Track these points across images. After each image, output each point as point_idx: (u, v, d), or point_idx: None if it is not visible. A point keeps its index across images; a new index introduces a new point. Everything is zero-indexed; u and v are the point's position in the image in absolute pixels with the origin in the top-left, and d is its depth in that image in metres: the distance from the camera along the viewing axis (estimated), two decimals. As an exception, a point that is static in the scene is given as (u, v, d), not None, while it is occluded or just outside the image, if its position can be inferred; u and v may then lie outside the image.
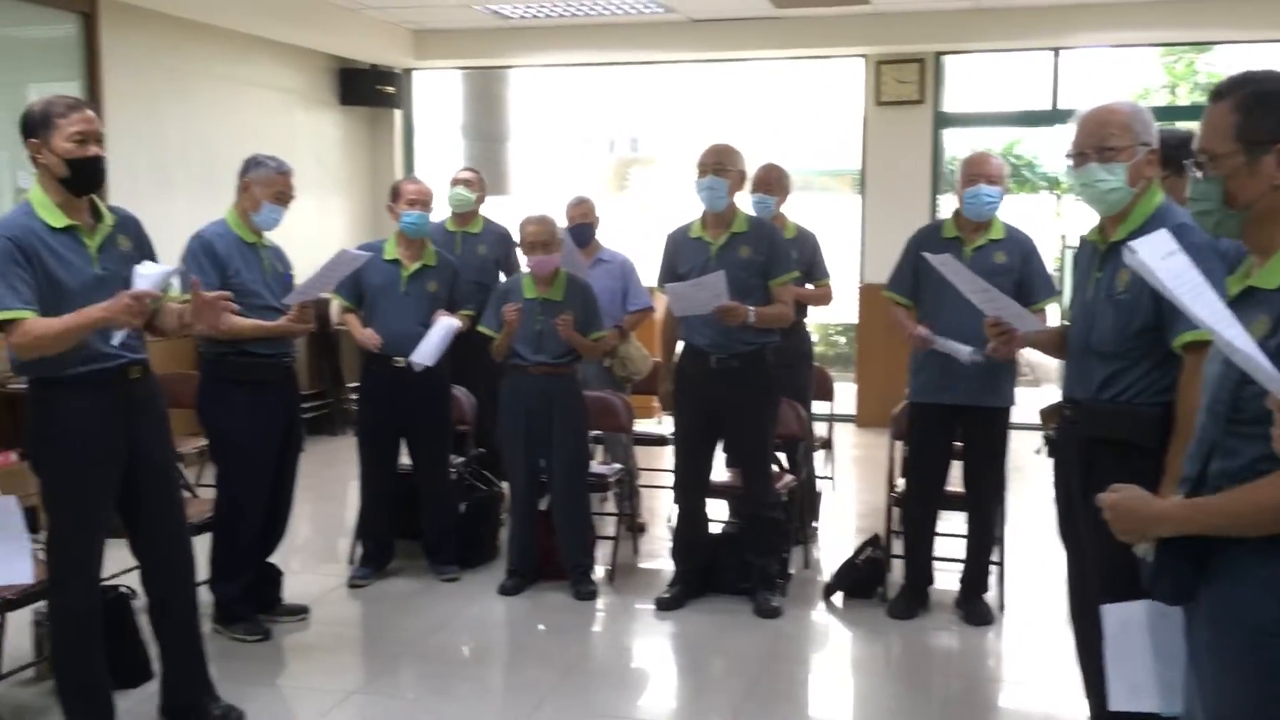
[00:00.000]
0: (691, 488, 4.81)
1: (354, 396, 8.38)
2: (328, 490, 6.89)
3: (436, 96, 9.82)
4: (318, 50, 8.60)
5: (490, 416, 5.69)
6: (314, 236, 7.67)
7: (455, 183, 5.87)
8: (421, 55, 9.06)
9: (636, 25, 8.51)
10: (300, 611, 4.66)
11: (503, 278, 5.75)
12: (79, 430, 3.28)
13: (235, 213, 4.36)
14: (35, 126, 3.21)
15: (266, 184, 4.32)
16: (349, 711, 3.86)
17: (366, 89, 9.07)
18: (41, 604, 3.84)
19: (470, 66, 9.63)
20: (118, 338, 3.22)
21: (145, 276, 3.21)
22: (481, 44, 8.92)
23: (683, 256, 4.65)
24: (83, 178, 3.23)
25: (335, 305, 7.94)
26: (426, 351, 4.79)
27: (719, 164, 4.49)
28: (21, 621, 3.97)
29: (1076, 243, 5.05)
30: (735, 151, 4.57)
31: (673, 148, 9.32)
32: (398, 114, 9.50)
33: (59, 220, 3.23)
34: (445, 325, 4.87)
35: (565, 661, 4.27)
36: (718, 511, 5.13)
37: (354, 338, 4.98)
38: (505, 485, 5.65)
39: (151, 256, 3.47)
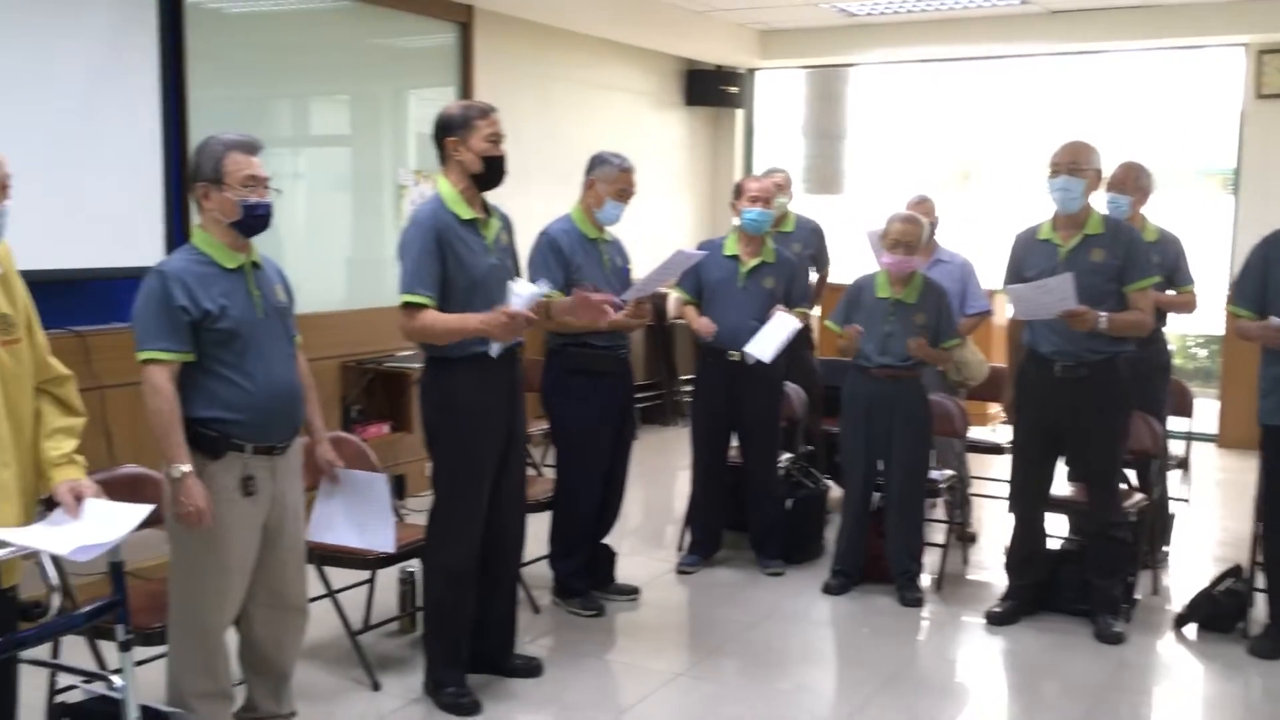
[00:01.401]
0: (1029, 500, 4.60)
1: (687, 388, 8.67)
2: (659, 478, 7.12)
3: (777, 95, 9.90)
4: (667, 53, 8.89)
5: (820, 414, 5.70)
6: (657, 233, 7.94)
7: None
8: (766, 55, 9.17)
9: (990, 19, 8.22)
10: (632, 592, 4.85)
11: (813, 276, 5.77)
12: (475, 404, 3.61)
13: (580, 209, 4.59)
14: (455, 127, 3.57)
15: (610, 181, 4.52)
16: (673, 692, 3.99)
17: (711, 89, 9.28)
18: (408, 564, 4.24)
19: (814, 65, 9.63)
20: (495, 349, 3.55)
21: (519, 296, 3.50)
22: (827, 42, 8.91)
23: (1030, 259, 4.45)
24: (492, 174, 3.59)
25: (671, 299, 8.22)
26: (763, 346, 4.84)
27: (1074, 163, 4.26)
28: (389, 579, 4.39)
29: None
30: (1091, 149, 4.32)
31: (1022, 145, 8.92)
32: (739, 113, 9.66)
33: (466, 213, 3.59)
34: (784, 322, 4.90)
35: (889, 667, 4.21)
36: (1056, 527, 4.87)
37: (691, 326, 5.11)
38: (831, 483, 5.67)
39: (516, 252, 3.74)
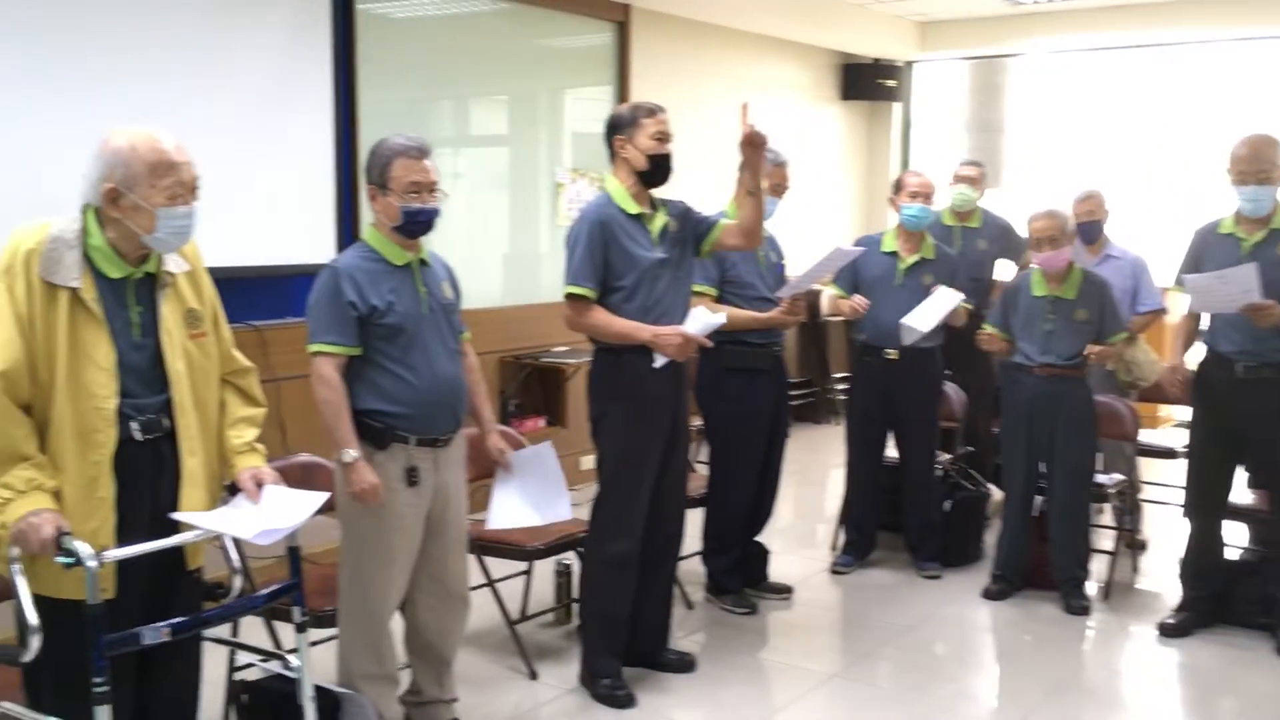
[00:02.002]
0: (1206, 507, 4.39)
1: (840, 386, 8.58)
2: (811, 476, 7.06)
3: (935, 88, 9.69)
4: (824, 47, 8.80)
5: (981, 414, 5.55)
6: (812, 229, 7.86)
7: (958, 179, 5.76)
8: (926, 46, 8.98)
9: (1169, 4, 7.87)
10: (785, 591, 4.82)
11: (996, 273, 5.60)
12: (641, 394, 3.68)
13: (733, 205, 4.56)
14: (623, 125, 3.69)
15: (765, 176, 4.49)
16: (827, 694, 3.95)
17: (868, 83, 9.14)
18: (564, 556, 4.30)
19: (976, 56, 9.39)
20: (659, 362, 3.61)
21: (696, 320, 3.65)
22: (990, 32, 8.68)
23: (1209, 254, 4.24)
24: (657, 171, 3.67)
25: (825, 296, 8.13)
26: (921, 318, 4.73)
27: (1261, 171, 4.01)
28: (545, 570, 4.46)
29: None
30: (1275, 145, 4.07)
31: (1198, 137, 8.50)
32: (896, 107, 9.49)
33: (632, 208, 3.69)
34: (946, 296, 4.79)
35: (1053, 677, 4.07)
36: (1235, 536, 4.64)
37: (843, 311, 4.99)
38: (992, 486, 5.51)
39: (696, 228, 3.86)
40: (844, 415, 5.29)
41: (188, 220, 2.52)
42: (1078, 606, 4.63)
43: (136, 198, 2.45)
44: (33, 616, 2.34)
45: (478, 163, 6.71)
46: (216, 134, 4.70)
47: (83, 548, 2.31)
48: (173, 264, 2.62)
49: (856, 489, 5.19)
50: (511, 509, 3.64)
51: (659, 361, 3.63)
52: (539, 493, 3.64)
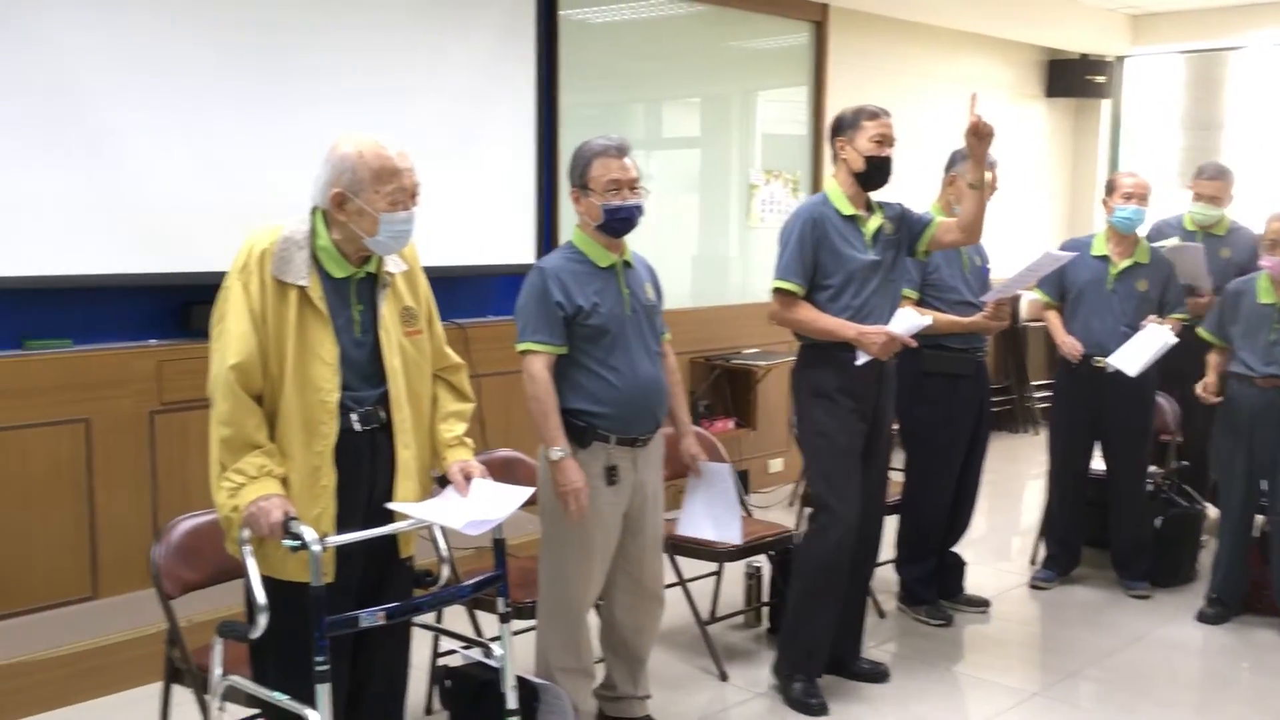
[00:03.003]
0: None
1: (1038, 394, 8.28)
2: (1007, 487, 6.83)
3: (1148, 84, 9.22)
4: (1028, 43, 8.50)
5: (1196, 427, 5.26)
6: (1013, 232, 7.61)
7: (1198, 198, 5.38)
8: (1138, 40, 8.57)
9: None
10: (982, 604, 4.68)
11: None
12: (842, 391, 3.66)
13: (939, 206, 4.45)
14: (844, 127, 3.70)
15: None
16: (1027, 712, 3.81)
17: (1075, 79, 8.78)
18: (754, 558, 4.29)
19: (1191, 50, 8.90)
20: (861, 359, 3.60)
21: (902, 320, 3.65)
22: (1209, 24, 8.22)
23: None
24: (875, 174, 3.66)
25: (1025, 301, 7.85)
26: (1131, 358, 4.53)
27: None
28: (736, 572, 4.46)
29: None
30: None
31: None
32: (1105, 104, 9.08)
33: (847, 209, 3.69)
34: (1157, 335, 4.55)
35: (1273, 709, 3.82)
36: None
37: (1055, 338, 4.84)
38: (1208, 505, 5.22)
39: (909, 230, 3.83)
40: (1042, 424, 5.09)
41: (407, 225, 2.62)
42: (1303, 635, 4.34)
43: (361, 202, 2.56)
44: (261, 596, 2.47)
45: (669, 165, 6.76)
46: (425, 137, 4.88)
47: (308, 532, 2.43)
48: (392, 264, 2.73)
49: (1060, 502, 4.98)
50: (694, 517, 3.66)
51: (861, 359, 3.60)
52: (718, 510, 3.64)
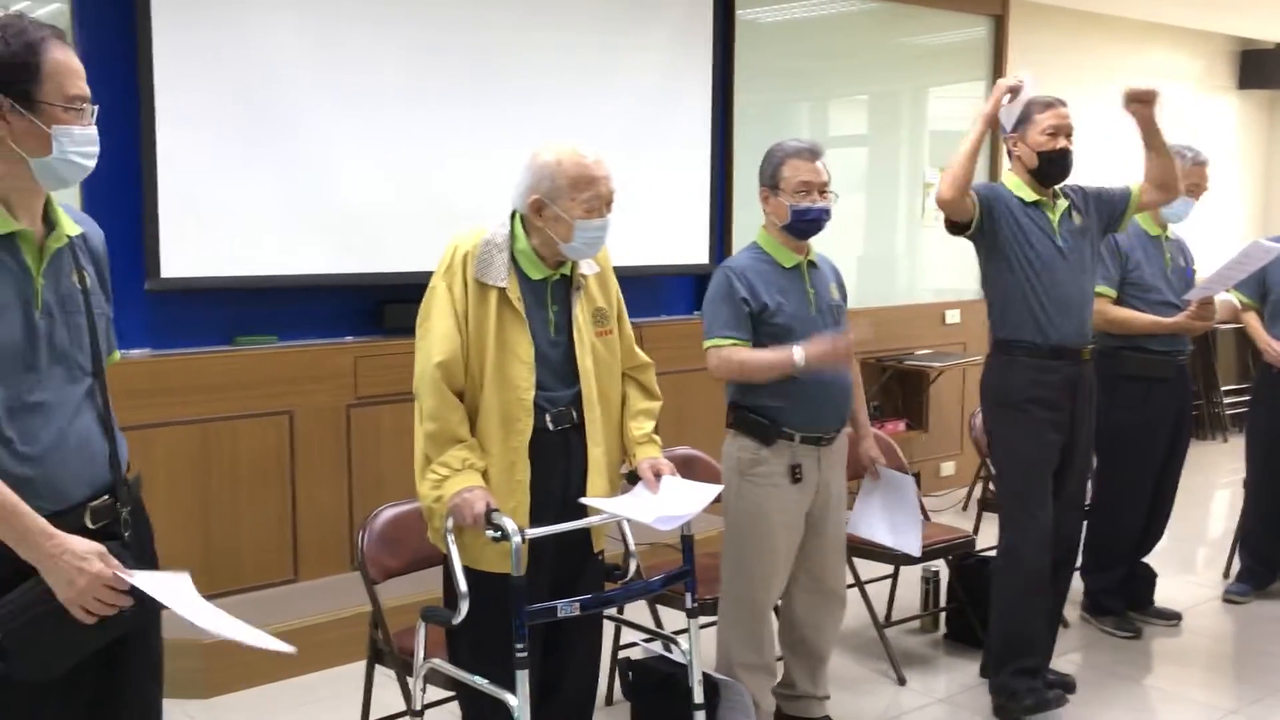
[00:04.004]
0: None
1: (1228, 400, 7.90)
2: (1196, 496, 6.54)
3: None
4: (1218, 32, 8.11)
5: None
6: (1206, 230, 7.28)
7: None
8: (1341, 26, 8.09)
9: None
10: (1173, 617, 4.51)
11: None
12: (1032, 398, 3.55)
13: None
14: (1018, 123, 3.59)
15: (1183, 175, 4.20)
16: (1224, 731, 3.66)
17: (1270, 70, 8.37)
18: (931, 563, 4.23)
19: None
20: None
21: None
22: None
23: None
24: (1052, 169, 3.55)
25: (1217, 302, 7.49)
26: None
27: None
28: (912, 575, 4.41)
29: None
30: None
31: None
32: (1303, 95, 8.62)
33: (1029, 195, 3.58)
34: None
35: None
36: None
37: (1257, 342, 4.62)
38: None
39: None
40: (1231, 431, 4.87)
41: (601, 231, 2.69)
42: None
43: (558, 209, 2.65)
44: (463, 583, 2.58)
45: (838, 163, 6.68)
46: (604, 137, 4.94)
47: (509, 523, 2.52)
48: (586, 266, 2.81)
49: (1257, 513, 4.76)
50: (869, 520, 3.63)
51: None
52: (896, 517, 3.61)
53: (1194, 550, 5.61)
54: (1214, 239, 7.18)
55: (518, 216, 2.73)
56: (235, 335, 4.37)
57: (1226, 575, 4.98)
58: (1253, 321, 4.67)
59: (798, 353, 3.11)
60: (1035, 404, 3.54)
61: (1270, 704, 3.85)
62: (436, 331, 2.64)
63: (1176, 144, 4.26)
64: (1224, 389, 8.00)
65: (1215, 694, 3.95)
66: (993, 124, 3.58)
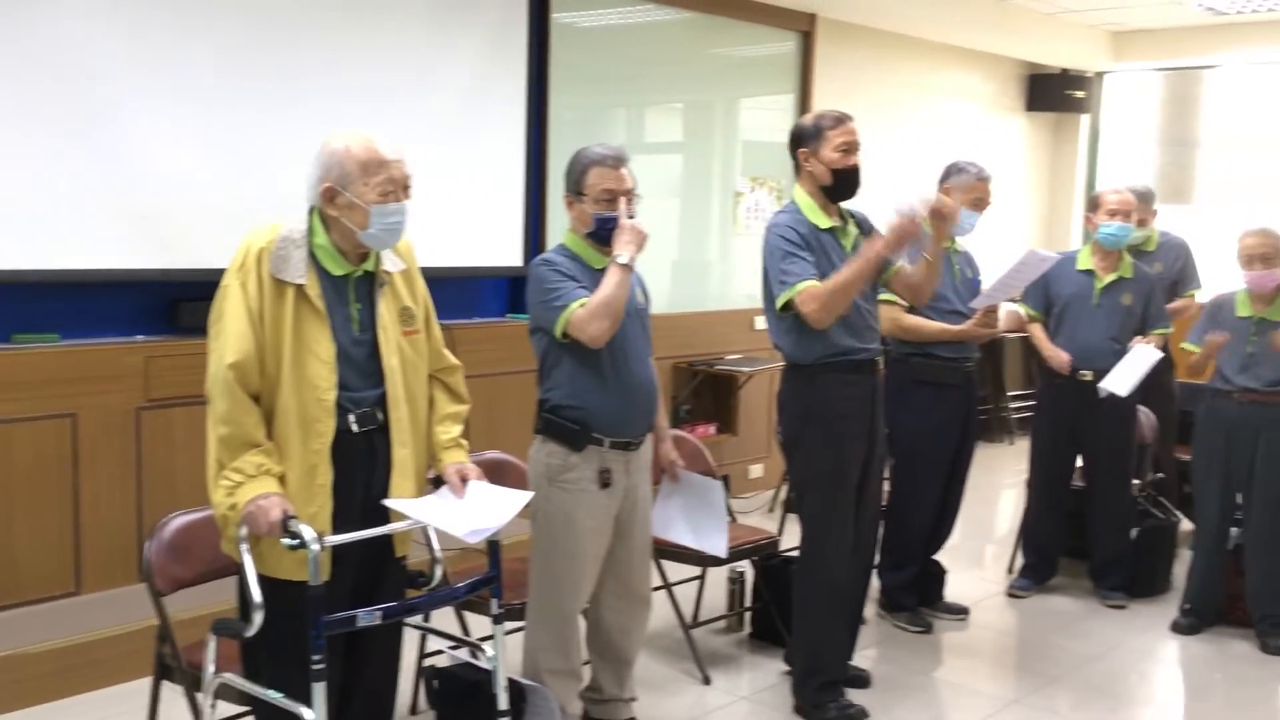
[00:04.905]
0: None
1: (1015, 405, 8.36)
2: (983, 496, 6.87)
3: (1127, 100, 9.35)
4: (1009, 56, 8.59)
5: (1171, 439, 5.35)
6: (993, 244, 7.68)
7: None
8: (1118, 57, 8.68)
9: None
10: (961, 612, 4.73)
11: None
12: (838, 413, 3.58)
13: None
14: (806, 138, 3.57)
15: (966, 189, 4.42)
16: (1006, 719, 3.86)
17: (1055, 94, 8.89)
18: (738, 564, 4.31)
19: (1170, 68, 9.03)
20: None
21: (899, 209, 3.36)
22: (1187, 42, 8.34)
23: None
24: (843, 185, 3.56)
25: (1004, 312, 7.91)
26: (1122, 379, 4.59)
27: None
28: (718, 576, 4.49)
29: None
30: None
31: None
32: (1084, 119, 9.19)
33: (824, 221, 3.58)
34: (1145, 355, 4.63)
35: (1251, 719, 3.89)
36: None
37: (1041, 351, 4.89)
38: (1182, 515, 5.30)
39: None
40: (1018, 434, 5.15)
41: (399, 216, 2.62)
42: (1275, 646, 4.40)
43: (351, 195, 2.57)
44: (258, 594, 2.47)
45: (652, 170, 6.78)
46: (417, 138, 4.87)
47: (307, 531, 2.43)
48: (390, 263, 2.74)
49: (1039, 512, 5.04)
50: (671, 523, 3.65)
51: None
52: (700, 520, 3.65)
53: (982, 547, 5.90)
54: (1002, 252, 7.57)
55: (315, 212, 2.65)
56: (12, 333, 4.09)
57: (1011, 571, 5.25)
58: (1037, 331, 4.94)
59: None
60: (841, 419, 3.58)
61: (1048, 693, 4.08)
62: (229, 331, 2.53)
63: (961, 160, 4.49)
64: (1011, 394, 8.45)
65: (1000, 685, 4.16)
66: (881, 266, 3.55)
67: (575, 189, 3.23)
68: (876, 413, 3.70)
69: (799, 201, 3.61)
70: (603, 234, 3.21)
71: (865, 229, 3.72)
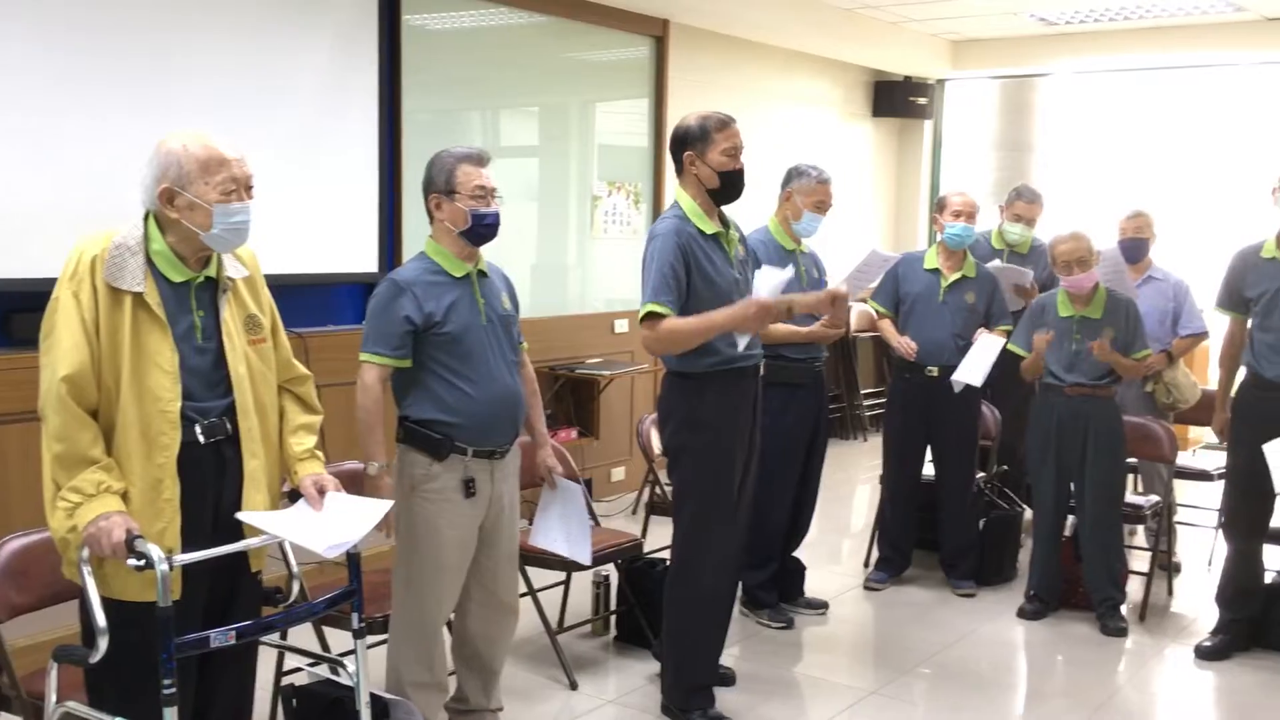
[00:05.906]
0: (1246, 530, 4.37)
1: (868, 402, 8.59)
2: (837, 492, 7.04)
3: (966, 106, 9.71)
4: (855, 64, 8.83)
5: (1015, 433, 5.56)
6: (842, 244, 7.88)
7: (1016, 219, 5.58)
8: (957, 65, 9.01)
9: (1199, 26, 7.88)
10: (820, 606, 4.83)
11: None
12: (722, 421, 3.55)
13: (776, 220, 4.59)
14: (693, 140, 3.52)
15: (808, 193, 4.51)
16: (865, 710, 3.94)
17: (899, 100, 9.18)
18: (601, 568, 4.31)
19: (1005, 75, 9.42)
20: (742, 343, 3.47)
21: (768, 283, 3.46)
22: (1021, 51, 8.72)
23: (1251, 279, 4.25)
24: (729, 188, 3.54)
25: (855, 312, 8.13)
26: (973, 370, 4.76)
27: None
28: (583, 581, 4.48)
29: None
30: None
31: (1236, 158, 8.47)
32: (927, 124, 9.52)
33: (709, 227, 3.54)
34: (990, 344, 4.81)
35: (1091, 699, 4.07)
36: (1274, 559, 4.63)
37: (890, 343, 5.04)
38: (1026, 506, 5.52)
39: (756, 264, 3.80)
40: (871, 431, 5.29)
41: (244, 216, 2.54)
42: (1113, 628, 4.62)
43: (192, 195, 2.48)
44: (102, 619, 2.36)
45: (509, 173, 6.74)
46: (264, 147, 4.74)
47: (154, 550, 2.33)
48: (233, 269, 2.65)
49: (892, 506, 5.19)
50: (548, 531, 3.67)
51: (741, 343, 3.44)
52: (570, 527, 3.66)
53: (839, 542, 6.04)
54: (850, 253, 7.78)
55: (151, 216, 2.54)
56: None
57: (867, 564, 5.39)
58: (887, 326, 5.09)
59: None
60: (728, 427, 3.57)
61: (903, 683, 4.20)
62: (62, 344, 2.41)
63: (802, 163, 4.59)
64: (863, 392, 8.68)
65: (858, 677, 4.26)
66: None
67: (446, 188, 3.18)
68: (757, 417, 3.71)
69: (684, 206, 3.56)
70: (479, 230, 3.18)
71: (743, 241, 3.73)
